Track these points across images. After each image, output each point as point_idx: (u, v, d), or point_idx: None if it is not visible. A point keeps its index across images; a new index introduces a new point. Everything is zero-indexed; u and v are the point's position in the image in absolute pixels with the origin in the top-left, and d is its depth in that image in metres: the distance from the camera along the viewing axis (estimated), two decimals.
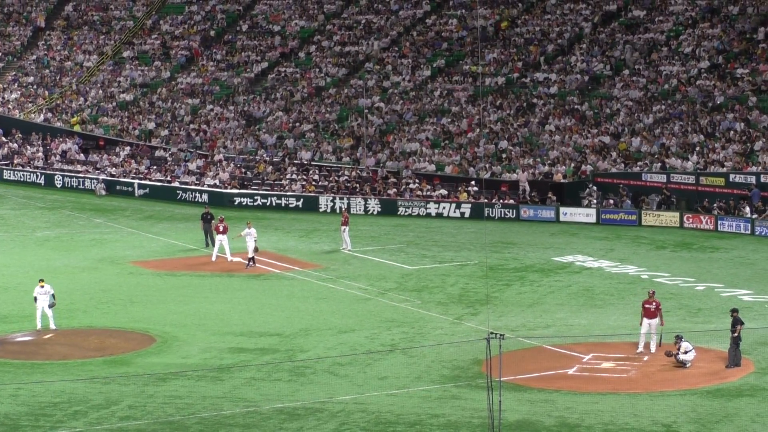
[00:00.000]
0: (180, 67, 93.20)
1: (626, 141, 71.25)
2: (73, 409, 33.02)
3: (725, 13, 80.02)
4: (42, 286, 41.88)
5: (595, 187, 67.40)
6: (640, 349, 38.25)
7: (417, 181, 71.79)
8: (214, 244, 57.83)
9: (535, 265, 54.06)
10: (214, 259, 55.74)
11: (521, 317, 43.86)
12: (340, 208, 68.11)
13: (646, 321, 38.29)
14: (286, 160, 77.58)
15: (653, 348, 38.20)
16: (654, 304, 38.30)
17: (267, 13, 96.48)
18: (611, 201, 66.61)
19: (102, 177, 79.65)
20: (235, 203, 72.31)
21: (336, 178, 74.17)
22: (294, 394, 34.41)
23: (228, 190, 74.40)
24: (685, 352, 36.64)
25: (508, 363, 34.17)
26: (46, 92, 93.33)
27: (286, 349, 39.65)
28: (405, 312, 44.88)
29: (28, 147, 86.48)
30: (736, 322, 36.65)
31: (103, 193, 78.08)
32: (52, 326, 41.88)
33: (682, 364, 36.60)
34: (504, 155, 73.03)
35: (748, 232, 61.16)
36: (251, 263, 54.15)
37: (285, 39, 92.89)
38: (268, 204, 72.35)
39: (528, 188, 68.50)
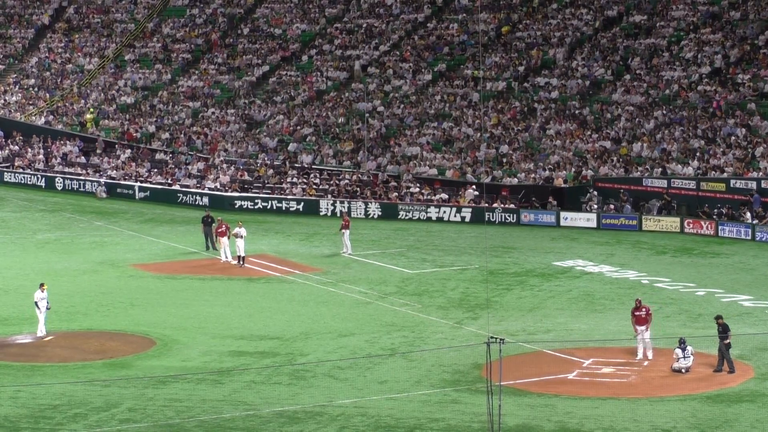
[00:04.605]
0: (181, 71, 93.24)
1: (627, 146, 71.26)
2: (73, 412, 33.02)
3: (726, 18, 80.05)
4: (43, 291, 41.59)
5: (595, 192, 67.40)
6: (640, 356, 38.22)
7: (418, 185, 71.78)
8: (215, 248, 57.97)
9: (535, 270, 54.06)
10: (229, 261, 55.97)
11: (521, 322, 43.86)
12: (341, 211, 68.08)
13: (639, 328, 38.26)
14: (287, 163, 77.61)
15: (650, 355, 38.16)
16: (644, 310, 38.31)
17: (268, 17, 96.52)
18: (612, 206, 66.60)
19: (103, 180, 79.67)
20: (236, 206, 72.31)
21: (337, 181, 74.18)
22: (294, 397, 34.41)
23: (229, 194, 74.43)
24: (677, 359, 36.56)
25: (508, 367, 34.15)
26: (47, 95, 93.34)
27: (286, 352, 39.66)
28: (405, 316, 44.88)
29: (29, 149, 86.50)
30: (726, 329, 36.68)
31: (104, 195, 78.12)
32: (44, 331, 41.55)
33: (678, 372, 36.55)
34: (505, 160, 73.04)
35: (749, 237, 61.14)
36: (242, 262, 54.70)
37: (286, 42, 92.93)
38: (268, 207, 72.35)
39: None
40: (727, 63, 75.80)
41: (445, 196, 70.23)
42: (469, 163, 73.45)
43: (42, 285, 41.89)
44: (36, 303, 41.62)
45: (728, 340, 36.48)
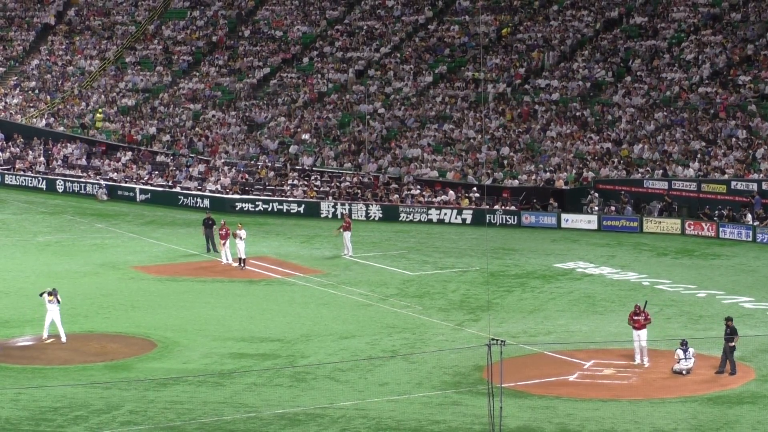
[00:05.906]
0: (182, 73, 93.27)
1: (628, 148, 71.27)
2: (74, 414, 33.02)
3: (727, 20, 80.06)
4: (50, 301, 41.17)
5: (596, 194, 67.42)
6: (638, 360, 38.17)
7: (419, 186, 71.80)
8: (216, 250, 58.00)
9: (536, 272, 54.06)
10: (230, 263, 56.00)
11: (522, 323, 43.86)
12: (342, 213, 68.08)
13: (635, 332, 38.23)
14: (288, 165, 77.62)
15: (645, 360, 38.09)
16: (643, 315, 38.28)
17: (269, 19, 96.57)
18: (613, 208, 66.60)
19: (103, 182, 79.68)
20: (237, 208, 72.30)
21: (337, 183, 74.20)
22: (295, 399, 34.42)
23: (229, 196, 74.44)
24: (678, 361, 36.54)
25: (509, 369, 34.13)
26: (48, 97, 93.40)
27: (287, 354, 39.66)
28: (406, 318, 44.88)
29: (30, 152, 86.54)
30: (734, 332, 36.68)
31: (105, 197, 78.14)
32: (58, 336, 41.30)
33: (678, 373, 36.54)
34: (506, 161, 73.04)
35: (750, 239, 61.13)
36: (242, 264, 54.80)
37: (287, 44, 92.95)
38: (269, 209, 72.35)
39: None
40: (728, 64, 75.80)
41: (446, 197, 70.24)
42: (470, 165, 73.45)
43: (50, 294, 41.11)
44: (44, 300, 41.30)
45: (734, 343, 36.48)
